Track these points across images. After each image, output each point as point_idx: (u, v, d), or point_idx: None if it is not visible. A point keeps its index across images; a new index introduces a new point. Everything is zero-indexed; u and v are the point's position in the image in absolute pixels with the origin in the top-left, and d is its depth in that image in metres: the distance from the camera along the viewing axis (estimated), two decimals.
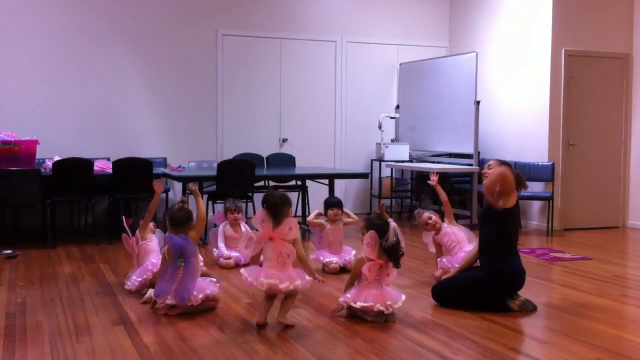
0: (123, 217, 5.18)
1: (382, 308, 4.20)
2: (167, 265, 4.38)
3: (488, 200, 4.57)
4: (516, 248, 4.69)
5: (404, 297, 4.37)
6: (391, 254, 4.24)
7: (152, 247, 5.04)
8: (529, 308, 4.53)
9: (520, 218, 4.76)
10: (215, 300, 4.53)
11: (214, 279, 4.80)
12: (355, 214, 6.15)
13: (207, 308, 4.44)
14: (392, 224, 4.29)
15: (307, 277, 4.16)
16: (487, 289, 4.54)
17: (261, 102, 9.27)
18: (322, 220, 5.89)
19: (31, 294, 4.95)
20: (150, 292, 4.62)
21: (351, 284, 4.37)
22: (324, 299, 4.45)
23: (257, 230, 4.14)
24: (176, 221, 4.43)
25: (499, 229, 4.56)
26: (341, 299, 4.37)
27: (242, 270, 4.19)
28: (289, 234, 4.08)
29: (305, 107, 9.52)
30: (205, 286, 4.45)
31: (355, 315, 4.30)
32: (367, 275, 4.18)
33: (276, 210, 4.10)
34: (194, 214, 4.55)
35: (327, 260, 5.78)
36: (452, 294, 4.67)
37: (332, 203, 6.00)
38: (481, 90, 8.63)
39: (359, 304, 4.21)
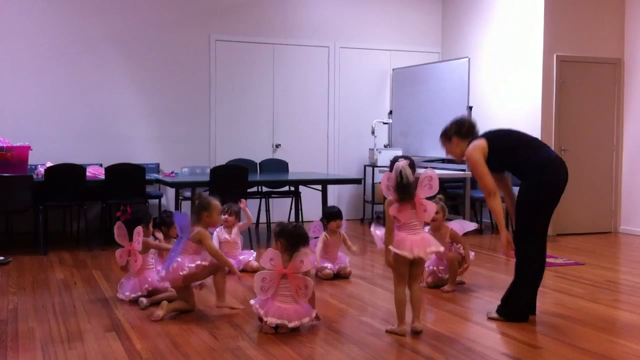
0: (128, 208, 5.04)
1: (420, 254, 4.03)
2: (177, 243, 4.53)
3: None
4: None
5: (442, 248, 4.24)
6: (399, 190, 4.06)
7: (148, 260, 4.93)
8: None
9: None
10: (192, 305, 4.59)
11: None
12: (347, 220, 6.13)
13: (170, 298, 4.59)
14: (398, 164, 4.06)
15: (313, 313, 4.20)
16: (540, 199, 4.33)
17: (254, 108, 9.27)
18: (323, 237, 5.79)
19: (23, 300, 4.93)
20: (143, 300, 4.69)
21: (389, 230, 4.14)
22: (318, 305, 4.44)
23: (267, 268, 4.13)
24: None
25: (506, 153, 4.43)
26: (382, 242, 4.23)
27: (252, 302, 4.20)
28: (301, 267, 4.11)
29: (298, 112, 9.52)
30: (206, 256, 4.47)
31: (350, 319, 4.30)
32: (397, 217, 4.07)
33: (294, 242, 4.14)
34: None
35: (321, 265, 5.77)
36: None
37: (334, 214, 5.88)
38: (473, 95, 8.65)
39: (399, 251, 4.02)
